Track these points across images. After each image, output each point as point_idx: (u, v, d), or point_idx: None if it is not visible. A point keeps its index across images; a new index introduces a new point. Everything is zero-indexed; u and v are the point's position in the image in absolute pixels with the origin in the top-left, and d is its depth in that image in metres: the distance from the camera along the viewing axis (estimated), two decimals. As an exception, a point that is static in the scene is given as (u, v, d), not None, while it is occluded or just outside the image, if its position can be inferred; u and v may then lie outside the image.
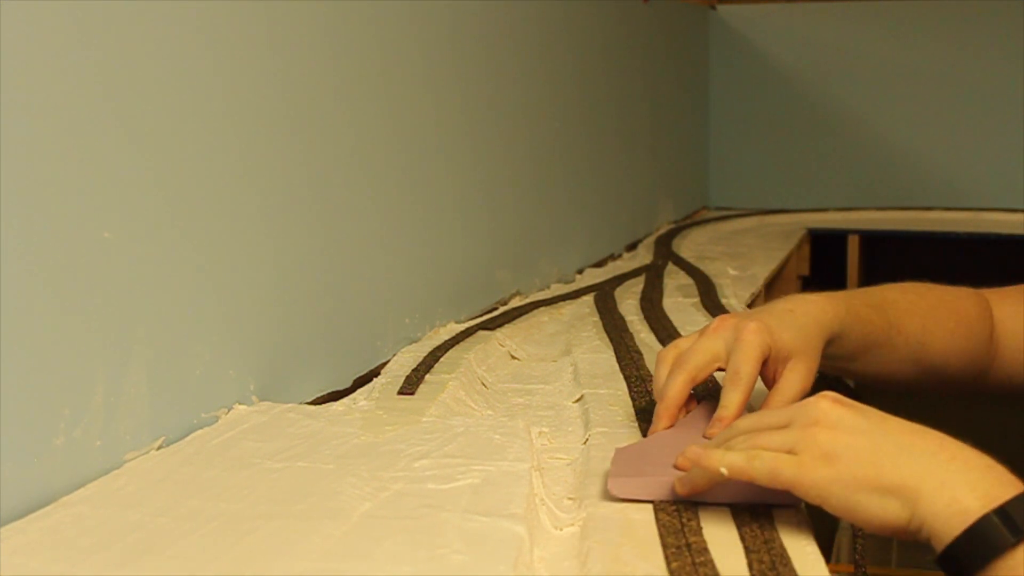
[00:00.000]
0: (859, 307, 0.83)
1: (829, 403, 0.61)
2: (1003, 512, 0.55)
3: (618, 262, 1.60)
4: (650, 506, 0.60)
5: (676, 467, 0.63)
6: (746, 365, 0.71)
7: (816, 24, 2.40)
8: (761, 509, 0.60)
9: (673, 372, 0.73)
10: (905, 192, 2.33)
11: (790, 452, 0.59)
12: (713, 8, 2.44)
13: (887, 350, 0.84)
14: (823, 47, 2.41)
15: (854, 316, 0.82)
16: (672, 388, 0.73)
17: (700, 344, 0.74)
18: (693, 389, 0.74)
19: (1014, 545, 0.54)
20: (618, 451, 0.68)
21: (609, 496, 0.62)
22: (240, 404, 0.76)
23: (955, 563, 0.56)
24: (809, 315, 0.78)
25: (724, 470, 0.59)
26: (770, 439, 0.60)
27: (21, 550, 0.52)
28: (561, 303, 1.23)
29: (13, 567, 0.51)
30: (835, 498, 0.57)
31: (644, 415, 0.79)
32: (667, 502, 0.60)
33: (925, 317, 0.88)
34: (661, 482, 0.62)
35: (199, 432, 0.71)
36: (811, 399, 0.62)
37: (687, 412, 0.74)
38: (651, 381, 0.79)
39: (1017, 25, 2.21)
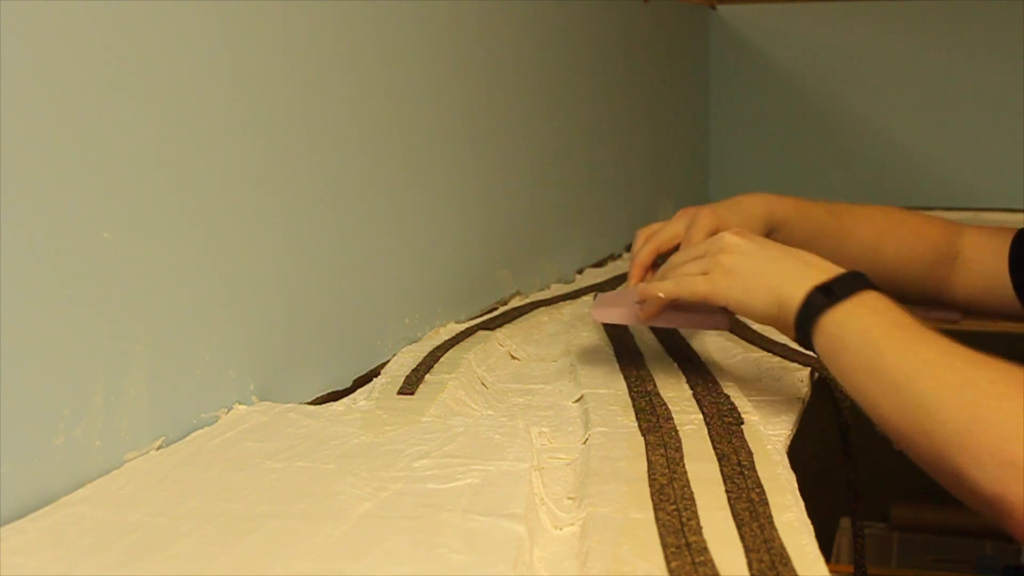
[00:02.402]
0: (811, 208, 1.08)
1: (731, 235, 0.84)
2: (823, 287, 0.77)
3: (618, 262, 1.60)
4: (650, 506, 0.60)
5: (636, 301, 0.89)
6: (696, 236, 0.96)
7: (816, 24, 2.40)
8: (757, 504, 0.60)
9: (645, 243, 1.00)
10: (905, 192, 2.33)
11: (704, 274, 0.83)
12: (713, 8, 2.44)
13: (835, 246, 1.03)
14: (823, 47, 2.40)
15: (801, 214, 1.07)
16: (642, 254, 0.99)
17: (667, 225, 1.00)
18: (658, 258, 0.98)
19: (829, 306, 0.76)
20: (599, 295, 0.97)
21: (593, 320, 0.95)
22: (240, 404, 0.76)
23: (800, 334, 0.79)
24: (755, 206, 1.05)
25: (661, 294, 0.85)
26: (689, 267, 0.85)
27: (21, 550, 0.52)
28: (561, 303, 1.23)
29: (13, 567, 0.51)
30: (734, 300, 0.82)
31: (644, 415, 0.79)
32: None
33: (881, 229, 1.10)
34: (629, 312, 0.88)
35: (199, 432, 0.71)
36: (719, 234, 0.85)
37: (653, 274, 0.98)
38: (651, 381, 0.88)
39: (1017, 25, 2.21)
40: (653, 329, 1.10)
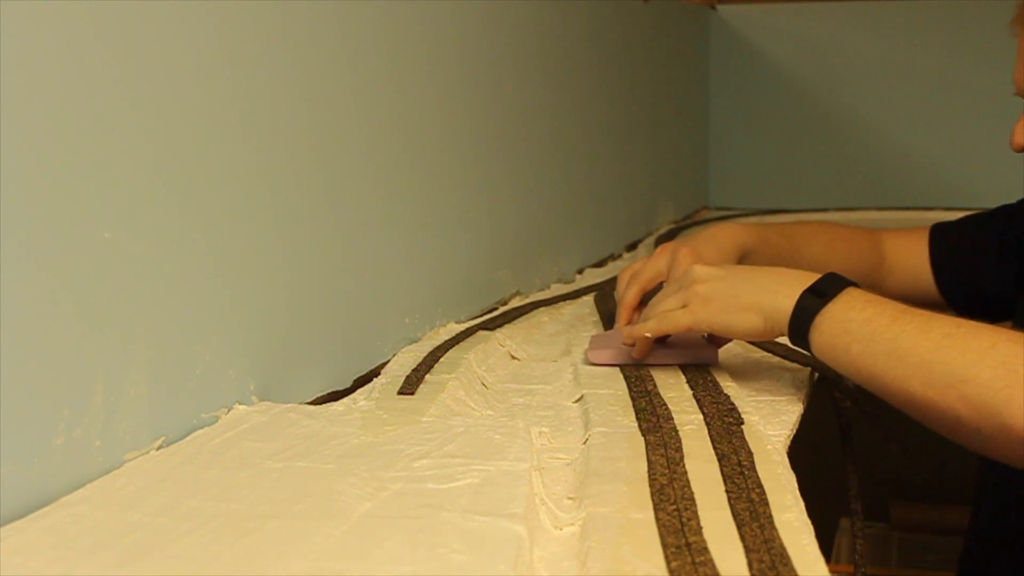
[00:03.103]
0: (770, 233, 1.19)
1: (699, 267, 0.91)
2: (812, 288, 0.84)
3: (618, 262, 1.60)
4: (650, 506, 0.60)
5: (624, 343, 0.95)
6: (678, 273, 0.99)
7: (816, 24, 2.40)
8: (757, 504, 0.60)
9: (629, 284, 1.05)
10: (905, 192, 2.33)
11: (684, 307, 0.90)
12: (713, 8, 2.44)
13: (790, 264, 1.05)
14: (823, 47, 2.40)
15: (764, 240, 1.17)
16: (628, 295, 1.05)
17: (648, 264, 1.06)
18: (643, 296, 1.04)
19: (823, 305, 0.83)
20: (593, 337, 1.02)
21: (588, 362, 0.95)
22: (240, 404, 0.76)
23: (797, 337, 0.85)
24: (728, 239, 1.14)
25: (648, 333, 0.92)
26: (669, 303, 0.92)
27: (21, 550, 0.52)
28: (561, 303, 1.23)
29: (13, 567, 0.51)
30: (717, 323, 0.88)
31: (644, 415, 0.79)
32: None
33: (824, 244, 1.22)
34: (621, 352, 0.94)
35: (199, 432, 0.71)
36: (689, 268, 0.92)
37: (640, 313, 1.02)
38: (651, 381, 0.89)
39: (1017, 25, 2.21)
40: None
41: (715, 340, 0.95)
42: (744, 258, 1.13)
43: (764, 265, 0.99)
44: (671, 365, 0.93)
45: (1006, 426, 0.73)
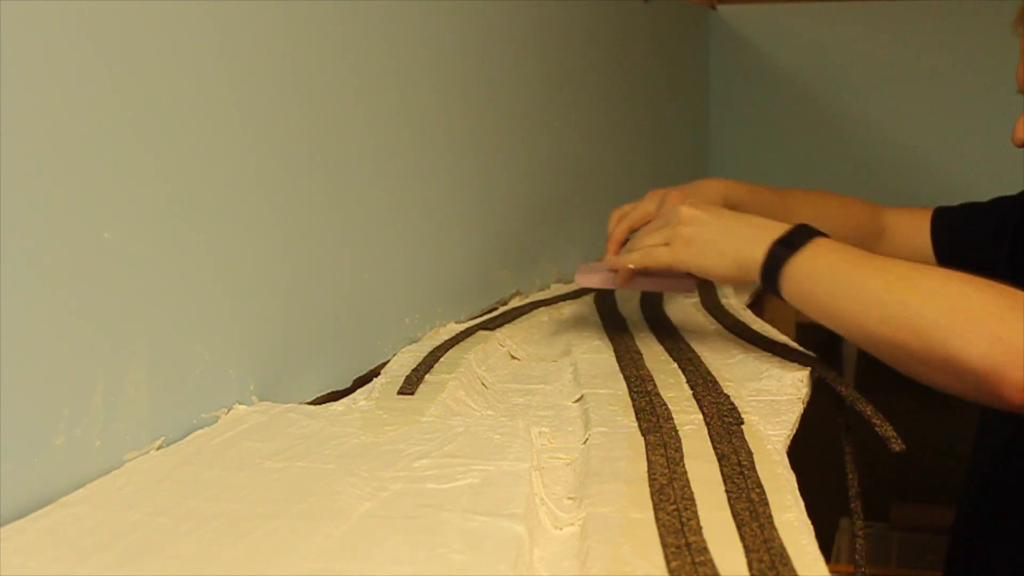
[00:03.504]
0: (759, 191, 1.24)
1: (686, 208, 0.97)
2: (782, 239, 0.91)
3: (618, 262, 1.59)
4: (650, 506, 0.60)
5: (609, 270, 1.03)
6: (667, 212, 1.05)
7: (816, 24, 2.40)
8: (757, 504, 0.60)
9: (618, 222, 1.12)
10: (905, 191, 2.33)
11: (666, 244, 0.97)
12: (713, 8, 2.43)
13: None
14: (823, 47, 2.40)
15: (753, 194, 1.23)
16: (616, 231, 1.11)
17: (638, 205, 1.12)
18: (630, 232, 1.10)
19: (791, 254, 0.90)
20: (582, 265, 1.11)
21: (577, 284, 1.08)
22: (240, 404, 0.76)
23: (768, 284, 0.92)
24: (715, 189, 1.21)
25: (631, 264, 0.99)
26: (653, 238, 0.99)
27: (21, 550, 0.52)
28: (561, 303, 1.23)
29: (13, 567, 0.51)
30: (695, 265, 0.96)
31: (644, 415, 0.79)
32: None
33: (817, 207, 1.28)
34: (607, 278, 1.03)
35: (199, 432, 0.71)
36: (677, 207, 0.98)
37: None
38: (651, 381, 0.89)
39: (1017, 25, 2.21)
40: (653, 329, 1.10)
41: (693, 274, 1.01)
42: (731, 209, 1.16)
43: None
44: (652, 291, 1.06)
45: (951, 358, 0.80)
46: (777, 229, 0.93)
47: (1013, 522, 1.15)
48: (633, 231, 1.09)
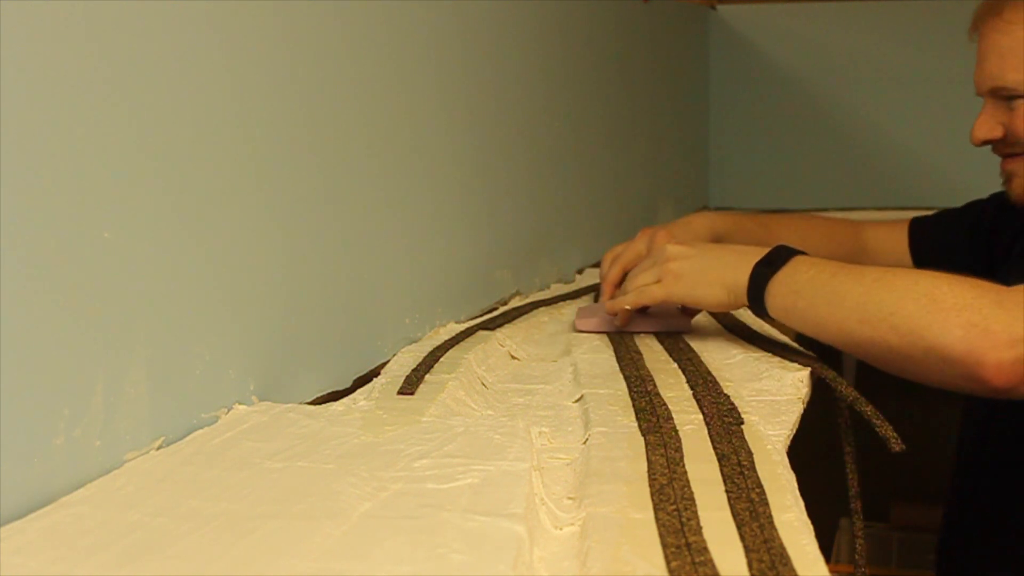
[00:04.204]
0: (744, 221, 1.32)
1: (671, 246, 1.04)
2: (763, 261, 0.97)
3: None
4: (650, 506, 0.60)
5: (608, 313, 1.08)
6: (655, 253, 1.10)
7: (816, 24, 2.40)
8: (757, 504, 0.60)
9: (612, 265, 1.16)
10: (905, 191, 2.33)
11: (657, 282, 1.02)
12: (713, 8, 2.44)
13: None
14: (823, 47, 2.40)
15: (738, 226, 1.30)
16: (611, 274, 1.15)
17: (629, 247, 1.16)
18: (624, 273, 1.14)
19: (773, 274, 0.96)
20: (580, 308, 1.15)
21: (575, 330, 1.10)
22: (240, 404, 0.76)
23: (755, 305, 0.98)
24: (702, 225, 1.29)
25: (627, 306, 1.05)
26: (644, 278, 1.04)
27: (21, 550, 0.52)
28: (561, 303, 1.23)
29: (13, 567, 0.51)
30: (688, 297, 1.01)
31: (644, 415, 0.79)
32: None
33: (800, 231, 1.33)
34: (605, 321, 1.08)
35: (199, 432, 0.71)
36: (663, 246, 1.05)
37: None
38: (651, 381, 0.89)
39: (1017, 25, 2.21)
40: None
41: (688, 310, 1.08)
42: (717, 242, 1.23)
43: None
44: (650, 332, 1.07)
45: (930, 348, 0.85)
46: (758, 253, 0.99)
47: (996, 499, 1.21)
48: (626, 272, 1.13)
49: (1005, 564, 1.18)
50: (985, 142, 1.17)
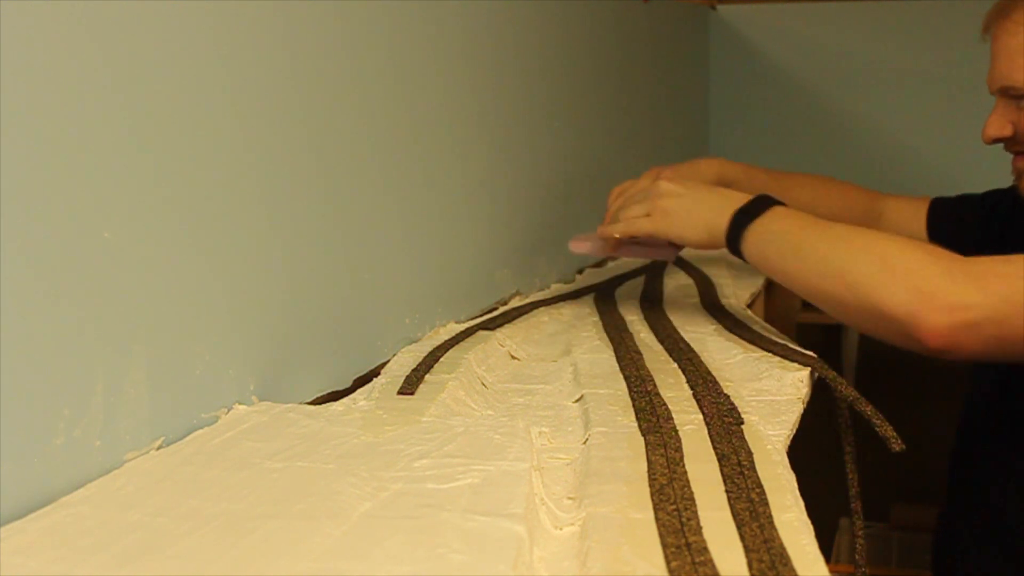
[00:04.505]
0: (756, 172, 1.38)
1: (665, 182, 1.11)
2: (743, 209, 1.04)
3: (618, 262, 1.60)
4: (650, 506, 0.60)
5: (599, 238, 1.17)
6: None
7: (816, 24, 2.40)
8: (757, 504, 0.60)
9: (616, 197, 1.24)
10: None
11: (647, 215, 1.10)
12: (713, 8, 2.44)
13: None
14: (823, 47, 2.40)
15: (748, 176, 1.36)
16: (613, 205, 1.21)
17: (636, 183, 1.25)
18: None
19: (750, 221, 1.03)
20: (577, 235, 1.23)
21: (570, 251, 1.21)
22: (240, 404, 0.76)
23: (732, 249, 1.05)
24: (710, 167, 1.36)
25: (616, 234, 1.14)
26: (635, 210, 1.12)
27: (21, 550, 0.52)
28: (561, 303, 1.23)
29: (13, 567, 0.51)
30: (673, 233, 1.09)
31: (644, 415, 0.79)
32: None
33: (815, 190, 1.39)
34: (596, 245, 1.18)
35: (199, 432, 0.71)
36: (657, 182, 1.12)
37: None
38: (651, 381, 0.89)
39: (1017, 25, 2.21)
40: (653, 329, 1.10)
41: (675, 244, 1.16)
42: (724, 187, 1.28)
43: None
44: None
45: (877, 307, 0.92)
46: (741, 200, 1.05)
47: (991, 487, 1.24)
48: None
49: (1000, 560, 1.19)
50: (996, 140, 1.20)
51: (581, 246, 1.19)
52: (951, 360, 0.93)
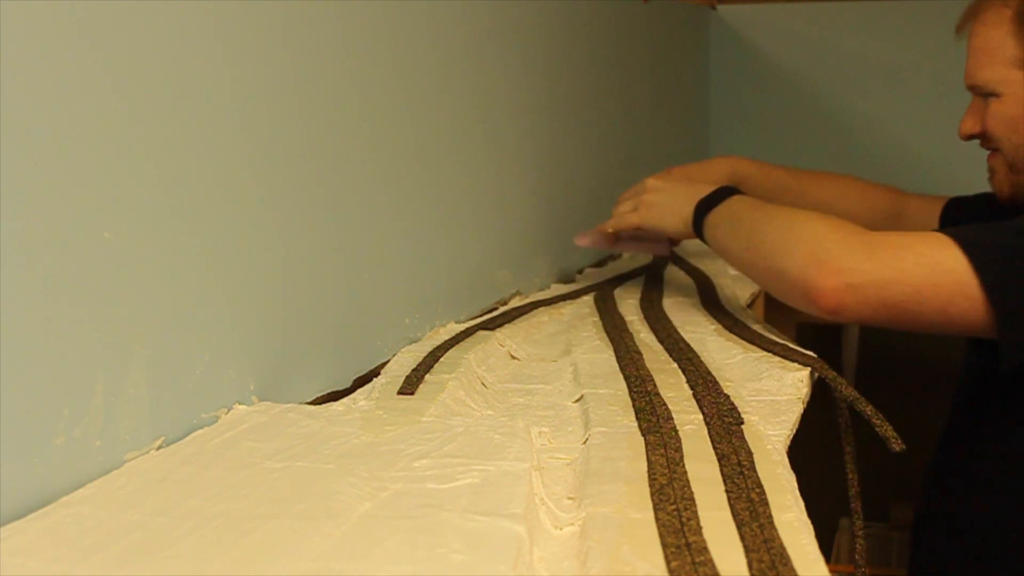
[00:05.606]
0: (773, 169, 1.43)
1: (651, 179, 1.25)
2: (705, 199, 1.15)
3: (618, 262, 1.60)
4: (650, 506, 0.61)
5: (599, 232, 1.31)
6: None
7: (816, 24, 2.40)
8: (757, 504, 0.60)
9: (624, 199, 1.29)
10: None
11: (635, 211, 1.23)
12: (713, 8, 2.44)
13: (792, 201, 1.32)
14: (823, 47, 2.40)
15: (763, 172, 1.42)
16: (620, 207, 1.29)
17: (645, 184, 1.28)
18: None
19: (709, 210, 1.14)
20: (580, 231, 1.35)
21: (574, 245, 1.34)
22: (240, 404, 0.76)
23: (698, 235, 1.16)
24: (722, 165, 1.41)
25: (609, 229, 1.28)
26: (624, 206, 1.25)
27: (21, 550, 0.52)
28: (561, 303, 1.23)
29: (13, 567, 0.51)
30: (656, 225, 1.21)
31: (644, 415, 0.79)
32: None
33: (836, 188, 1.44)
34: (596, 239, 1.31)
35: (199, 432, 0.71)
36: (645, 180, 1.26)
37: None
38: (651, 381, 0.89)
39: (1017, 25, 2.21)
40: (653, 329, 1.10)
41: (673, 240, 1.31)
42: (738, 185, 1.32)
43: (763, 196, 1.28)
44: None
45: (779, 271, 1.01)
46: (707, 190, 1.16)
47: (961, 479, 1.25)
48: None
49: (968, 561, 1.20)
50: (970, 136, 1.23)
51: (583, 240, 1.32)
52: (843, 322, 1.03)
